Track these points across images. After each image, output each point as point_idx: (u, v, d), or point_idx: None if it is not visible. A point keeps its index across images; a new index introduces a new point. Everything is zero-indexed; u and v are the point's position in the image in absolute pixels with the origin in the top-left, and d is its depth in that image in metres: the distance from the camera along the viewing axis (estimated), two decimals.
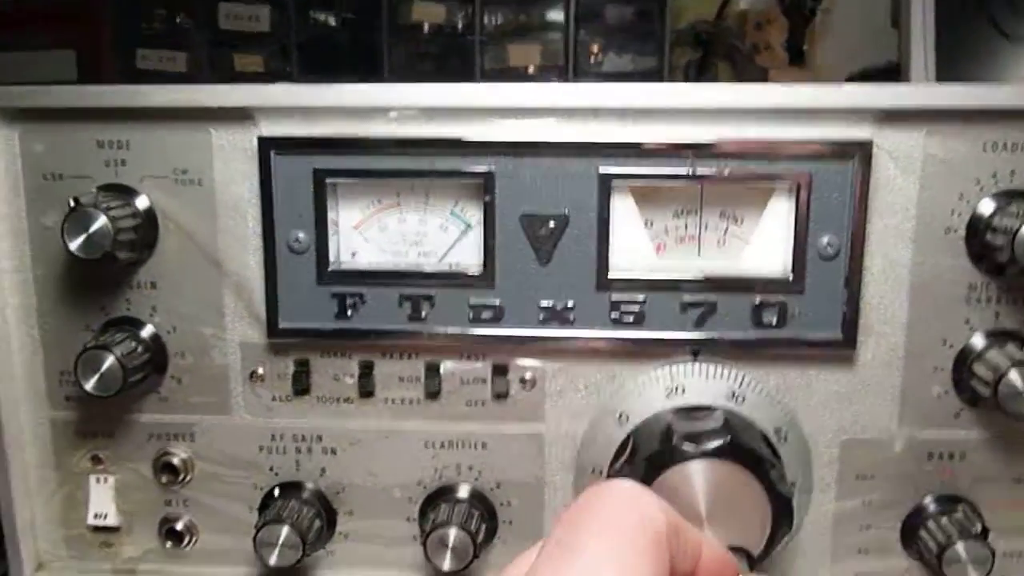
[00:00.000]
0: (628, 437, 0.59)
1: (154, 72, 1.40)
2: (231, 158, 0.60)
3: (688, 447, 0.54)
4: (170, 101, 0.59)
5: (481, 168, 0.58)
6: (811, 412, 0.61)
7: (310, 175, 0.59)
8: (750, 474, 0.53)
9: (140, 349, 0.61)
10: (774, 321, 0.59)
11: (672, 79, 1.35)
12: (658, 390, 0.60)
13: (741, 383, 0.60)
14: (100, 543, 0.67)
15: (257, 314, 0.62)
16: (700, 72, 1.41)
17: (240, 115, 0.59)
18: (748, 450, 0.54)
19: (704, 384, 0.60)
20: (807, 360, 0.60)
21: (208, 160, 0.60)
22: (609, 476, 0.60)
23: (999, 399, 0.56)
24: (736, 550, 0.52)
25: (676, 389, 0.60)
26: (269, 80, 1.34)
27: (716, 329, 0.59)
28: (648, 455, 0.55)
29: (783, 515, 0.53)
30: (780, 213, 0.59)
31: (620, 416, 0.60)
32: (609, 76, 1.38)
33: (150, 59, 1.42)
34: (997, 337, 0.59)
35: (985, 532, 0.59)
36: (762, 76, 1.34)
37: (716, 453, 0.53)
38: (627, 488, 0.38)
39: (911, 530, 0.62)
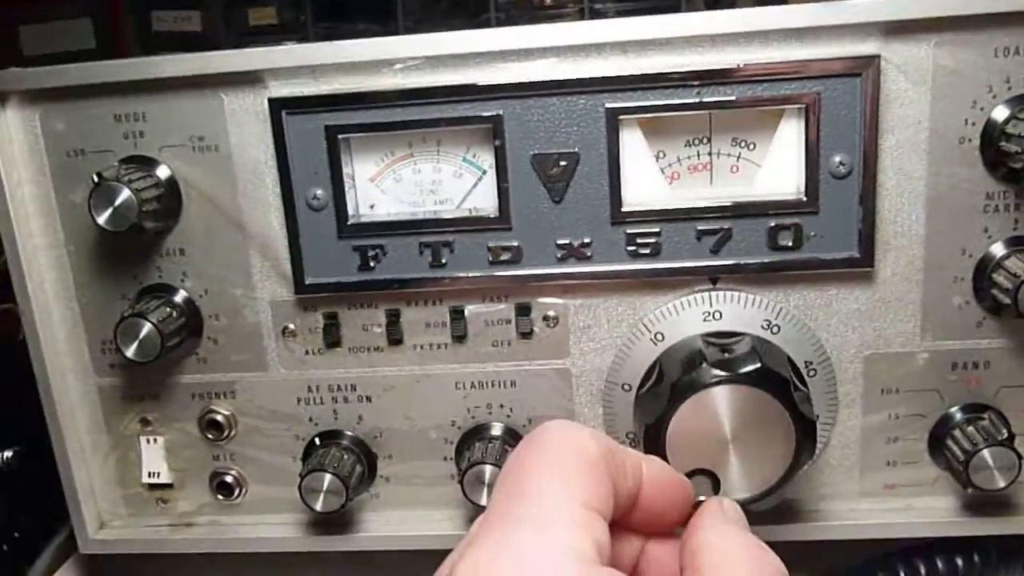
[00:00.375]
0: (656, 361, 0.61)
1: (170, 33, 1.40)
2: (244, 121, 0.61)
3: (717, 373, 0.54)
4: (181, 70, 0.60)
5: (489, 112, 0.59)
6: (833, 330, 0.62)
7: (322, 132, 0.60)
8: (778, 401, 0.54)
9: (175, 314, 0.64)
10: (790, 243, 0.59)
11: None
12: (695, 314, 0.61)
13: (778, 314, 0.61)
14: (156, 500, 0.71)
15: (283, 272, 0.63)
16: None
17: (250, 78, 0.60)
18: (777, 376, 0.55)
19: (740, 310, 0.61)
20: (826, 280, 0.61)
21: (222, 125, 0.61)
22: (639, 398, 0.61)
23: (1019, 305, 0.56)
24: (701, 472, 0.54)
25: (713, 314, 0.61)
26: (283, 32, 1.34)
27: (733, 255, 0.60)
28: (675, 380, 0.56)
29: (806, 442, 0.54)
30: (791, 135, 0.59)
31: (656, 336, 0.61)
32: (625, 0, 1.36)
33: (165, 20, 1.42)
34: (1016, 244, 0.59)
35: (1012, 438, 0.60)
36: None
37: (746, 379, 0.54)
38: (557, 426, 0.42)
39: (938, 440, 0.63)
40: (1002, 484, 0.59)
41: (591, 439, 0.41)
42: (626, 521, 0.42)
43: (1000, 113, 0.57)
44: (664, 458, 0.55)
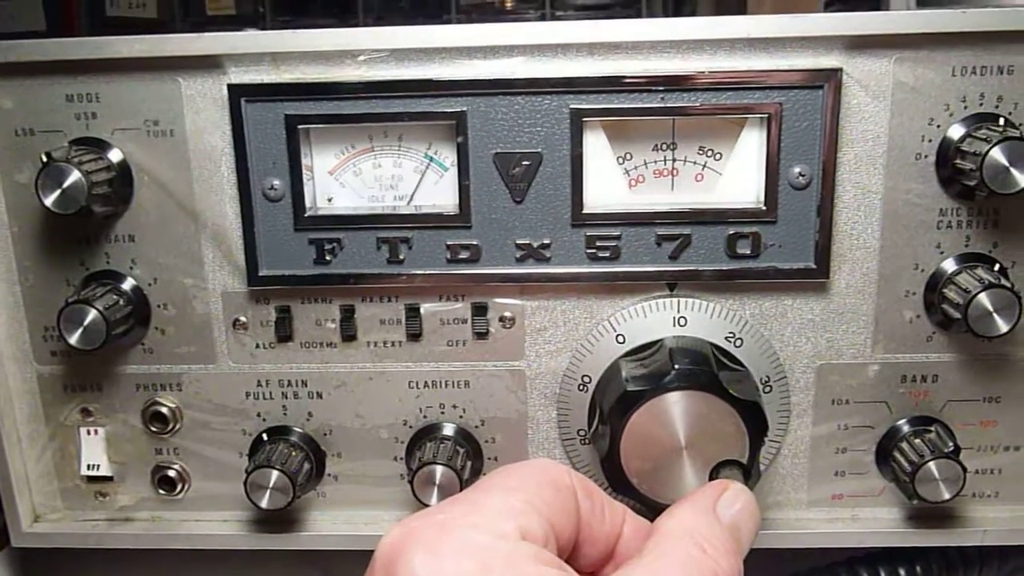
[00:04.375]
0: (592, 398, 0.61)
1: (123, 19, 1.37)
2: (202, 107, 0.60)
3: (638, 386, 0.56)
4: (137, 51, 0.59)
5: (453, 108, 0.58)
6: (787, 340, 0.62)
7: (282, 121, 0.59)
8: (706, 393, 0.55)
9: (122, 302, 0.62)
10: (748, 251, 0.60)
11: (651, 8, 1.34)
12: (665, 316, 0.61)
13: (742, 327, 0.61)
14: (95, 493, 0.68)
15: (236, 263, 0.62)
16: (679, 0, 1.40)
17: (209, 63, 0.59)
18: (695, 373, 0.55)
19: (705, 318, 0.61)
20: (782, 289, 0.61)
21: (179, 110, 0.60)
22: (591, 440, 0.62)
23: (969, 321, 0.57)
24: (728, 464, 0.54)
25: (680, 320, 0.61)
26: (240, 23, 1.32)
27: (691, 262, 0.60)
28: (609, 409, 0.57)
29: (753, 418, 0.55)
30: (752, 144, 0.59)
31: (617, 338, 0.61)
32: (586, 9, 1.36)
33: (119, 5, 1.39)
34: (967, 261, 0.60)
35: (957, 451, 0.61)
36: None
37: (667, 388, 0.55)
38: (539, 459, 0.48)
39: (885, 452, 0.63)
40: (947, 496, 0.60)
41: (567, 472, 0.44)
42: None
43: (956, 131, 0.58)
44: (630, 486, 0.56)
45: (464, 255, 0.60)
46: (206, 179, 0.61)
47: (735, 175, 0.60)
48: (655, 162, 0.60)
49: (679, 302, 0.61)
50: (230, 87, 0.58)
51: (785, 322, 0.62)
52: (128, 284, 0.63)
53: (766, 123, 0.58)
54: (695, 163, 0.60)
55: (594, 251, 0.60)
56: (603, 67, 0.57)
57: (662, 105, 0.57)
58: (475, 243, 0.60)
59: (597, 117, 0.58)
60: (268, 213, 0.60)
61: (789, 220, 0.59)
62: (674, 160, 0.60)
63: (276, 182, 0.60)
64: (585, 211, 0.59)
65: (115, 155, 0.60)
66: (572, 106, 0.58)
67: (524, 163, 0.59)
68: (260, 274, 0.62)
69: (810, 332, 0.62)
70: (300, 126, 0.59)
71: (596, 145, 0.59)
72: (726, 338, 0.61)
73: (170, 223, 0.62)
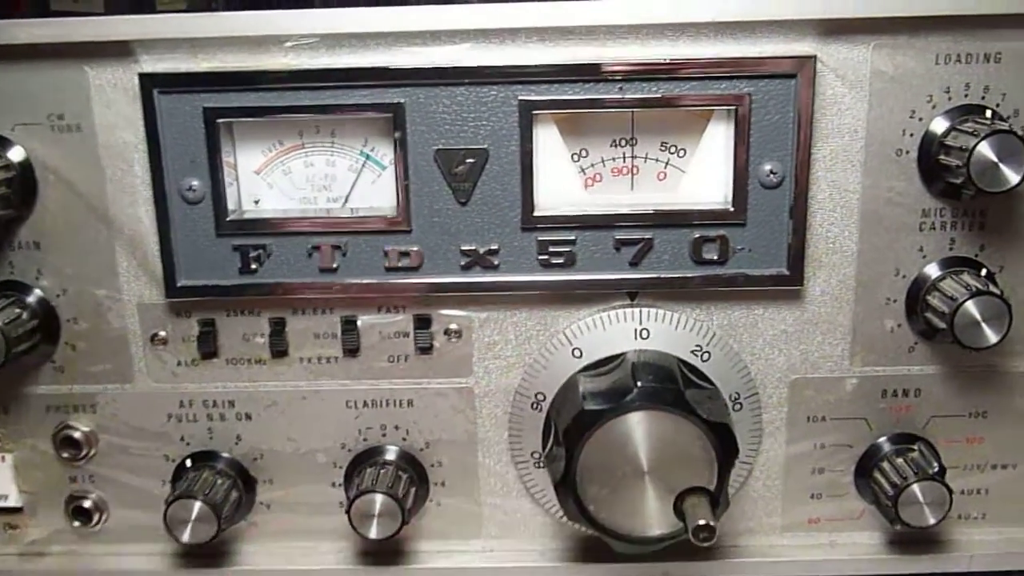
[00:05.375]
0: (547, 417, 0.57)
1: (69, 14, 1.32)
2: (112, 99, 0.54)
3: (597, 404, 0.51)
4: (37, 37, 0.53)
5: (390, 100, 0.53)
6: (758, 353, 0.58)
7: (200, 115, 0.54)
8: (671, 413, 0.50)
9: (26, 316, 0.57)
10: (715, 257, 0.55)
11: None
12: (626, 328, 0.57)
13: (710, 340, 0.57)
14: (3, 526, 0.63)
15: (153, 272, 0.57)
16: None
17: (118, 50, 0.54)
18: (659, 391, 0.51)
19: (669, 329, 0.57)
20: (752, 298, 0.57)
21: (86, 103, 0.54)
22: (545, 457, 0.57)
23: (955, 331, 0.53)
24: (692, 491, 0.50)
25: (642, 332, 0.57)
26: None
27: (654, 268, 0.55)
28: (564, 430, 0.52)
29: (722, 441, 0.51)
30: (719, 139, 0.55)
31: (574, 352, 0.57)
32: None
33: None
34: (952, 265, 0.55)
35: (942, 471, 0.57)
36: None
37: (629, 407, 0.51)
38: None
39: (865, 472, 0.59)
40: (932, 521, 0.56)
41: None
42: None
43: (939, 125, 0.54)
44: (587, 513, 0.52)
45: (404, 262, 0.55)
46: (118, 179, 0.55)
47: (700, 173, 0.56)
48: (613, 159, 0.56)
49: (640, 312, 0.56)
50: (142, 77, 0.53)
51: (756, 333, 0.57)
52: (34, 296, 0.57)
53: (733, 116, 0.53)
54: (657, 160, 0.56)
55: (547, 257, 0.55)
56: (555, 54, 0.53)
57: (620, 97, 0.53)
58: (416, 249, 0.55)
59: (549, 110, 0.53)
60: (187, 217, 0.55)
61: (759, 222, 0.54)
62: (634, 157, 0.56)
63: (195, 182, 0.54)
64: (536, 213, 0.55)
65: (16, 153, 0.55)
66: (521, 97, 0.53)
67: (468, 161, 0.54)
68: (179, 284, 0.56)
69: (783, 344, 0.57)
70: (220, 120, 0.54)
71: (548, 141, 0.55)
72: (692, 351, 0.56)
73: (80, 228, 0.56)
